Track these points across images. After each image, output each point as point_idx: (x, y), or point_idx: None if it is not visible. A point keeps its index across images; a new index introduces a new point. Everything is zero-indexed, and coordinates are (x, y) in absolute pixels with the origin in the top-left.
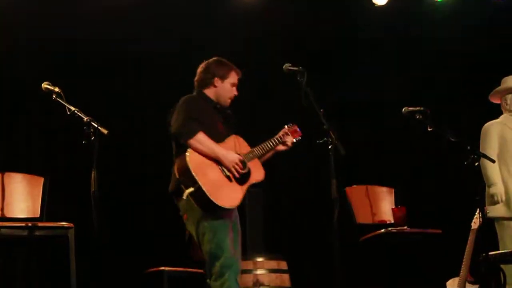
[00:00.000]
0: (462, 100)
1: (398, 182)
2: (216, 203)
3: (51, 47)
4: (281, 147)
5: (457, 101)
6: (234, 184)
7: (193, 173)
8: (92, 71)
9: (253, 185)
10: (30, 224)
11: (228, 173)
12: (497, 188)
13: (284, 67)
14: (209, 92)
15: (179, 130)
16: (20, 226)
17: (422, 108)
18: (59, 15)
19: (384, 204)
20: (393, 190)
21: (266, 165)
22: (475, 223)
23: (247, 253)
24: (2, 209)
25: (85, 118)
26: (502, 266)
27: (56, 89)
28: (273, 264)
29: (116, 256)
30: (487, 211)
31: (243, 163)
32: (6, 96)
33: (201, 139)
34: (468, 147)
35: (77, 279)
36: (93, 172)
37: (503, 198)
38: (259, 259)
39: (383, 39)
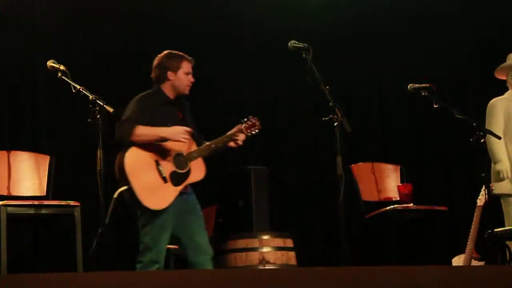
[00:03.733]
0: (467, 76)
1: (404, 159)
2: (144, 204)
3: (56, 24)
4: (232, 144)
5: (462, 77)
6: (169, 185)
7: (127, 173)
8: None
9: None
10: (36, 203)
11: (164, 174)
12: (503, 164)
13: (289, 44)
14: (166, 86)
15: (118, 136)
16: (26, 205)
17: (428, 85)
18: None
19: (390, 181)
20: (398, 167)
21: (272, 143)
22: (481, 200)
23: (253, 231)
24: (9, 187)
25: (91, 97)
26: (507, 242)
27: (62, 67)
28: (279, 241)
29: (121, 235)
30: (493, 188)
31: (184, 162)
32: (12, 74)
33: (141, 132)
34: (474, 124)
35: (83, 257)
36: (99, 150)
37: (509, 175)
38: (265, 237)
39: (388, 18)
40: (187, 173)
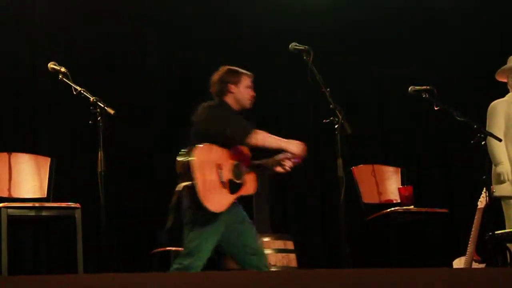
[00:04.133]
0: (468, 77)
1: (404, 162)
2: (203, 203)
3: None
4: (279, 169)
5: (463, 79)
6: (226, 191)
7: (194, 169)
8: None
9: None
10: (37, 205)
11: (223, 179)
12: (504, 167)
13: (290, 46)
14: (229, 99)
15: (236, 131)
16: (27, 207)
17: (428, 87)
18: None
19: (390, 184)
20: (399, 169)
21: None
22: (482, 202)
23: None
24: (9, 189)
25: (92, 98)
26: (508, 245)
27: (62, 69)
28: (279, 244)
29: (122, 237)
30: (494, 190)
31: (239, 174)
32: (12, 76)
33: (262, 137)
34: (475, 126)
35: (84, 259)
36: (99, 152)
37: (510, 177)
38: (266, 239)
39: (388, 19)
40: (242, 185)
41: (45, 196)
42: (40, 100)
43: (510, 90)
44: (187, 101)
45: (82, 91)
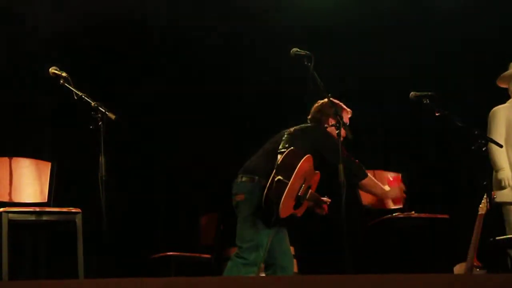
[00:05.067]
0: (469, 84)
1: (405, 167)
2: (280, 205)
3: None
4: (318, 210)
5: (464, 85)
6: (294, 204)
7: (296, 170)
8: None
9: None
10: (38, 209)
11: (300, 193)
12: (505, 173)
13: (291, 51)
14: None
15: (355, 172)
16: (28, 211)
17: (430, 93)
18: None
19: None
20: (400, 175)
21: None
22: (482, 208)
23: None
24: (10, 194)
25: (93, 103)
26: (508, 250)
27: (64, 74)
28: None
29: (123, 242)
30: (494, 196)
31: (305, 196)
32: (14, 80)
33: (369, 182)
34: (476, 132)
35: (84, 264)
36: (100, 157)
37: (511, 183)
38: None
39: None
40: (300, 206)
41: (46, 200)
42: (41, 105)
43: (511, 96)
44: (188, 106)
45: (83, 96)
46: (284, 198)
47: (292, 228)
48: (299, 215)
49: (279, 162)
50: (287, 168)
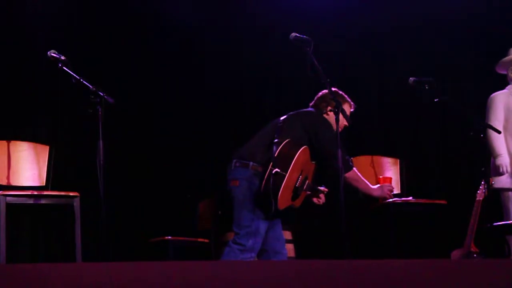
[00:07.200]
0: (468, 70)
1: (403, 153)
2: (277, 197)
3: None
4: (314, 200)
5: (462, 71)
6: (291, 195)
7: (292, 164)
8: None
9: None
10: (36, 193)
11: (297, 185)
12: (503, 159)
13: (290, 36)
14: (329, 119)
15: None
16: (26, 195)
17: (429, 78)
18: None
19: (389, 175)
20: (398, 160)
21: None
22: (480, 194)
23: None
24: (8, 177)
25: (91, 87)
26: (506, 237)
27: (62, 58)
28: None
29: (120, 226)
30: (492, 182)
31: (303, 187)
32: (13, 64)
33: (355, 176)
34: (474, 118)
35: (82, 248)
36: (99, 141)
37: (508, 169)
38: None
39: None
40: (298, 197)
41: (44, 184)
42: (40, 88)
43: (509, 82)
44: (186, 92)
45: (81, 80)
46: (282, 190)
47: (290, 214)
48: (296, 206)
49: (276, 154)
50: (284, 160)
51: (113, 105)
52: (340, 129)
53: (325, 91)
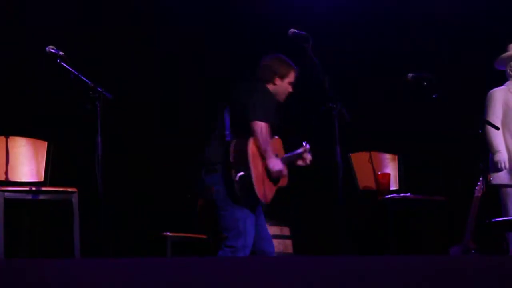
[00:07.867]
0: (466, 65)
1: (402, 149)
2: (257, 194)
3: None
4: (300, 163)
5: (461, 66)
6: (271, 183)
7: (250, 158)
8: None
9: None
10: (34, 188)
11: (267, 173)
12: (501, 155)
13: (289, 32)
14: (270, 87)
15: (259, 109)
16: (24, 190)
17: (428, 74)
18: None
19: (388, 171)
20: (396, 156)
21: None
22: (479, 190)
23: None
24: (6, 172)
25: (90, 83)
26: (505, 233)
27: (61, 53)
28: (275, 230)
29: (119, 222)
30: (491, 179)
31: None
32: (11, 59)
33: (264, 130)
34: (473, 114)
35: (80, 244)
36: (97, 137)
37: (507, 165)
38: None
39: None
40: (280, 177)
41: (42, 180)
42: (38, 83)
43: (508, 78)
44: (188, 85)
45: (80, 76)
46: (257, 188)
47: (289, 209)
48: (284, 184)
49: (231, 160)
50: (241, 159)
51: (111, 101)
52: (284, 98)
53: (270, 58)
